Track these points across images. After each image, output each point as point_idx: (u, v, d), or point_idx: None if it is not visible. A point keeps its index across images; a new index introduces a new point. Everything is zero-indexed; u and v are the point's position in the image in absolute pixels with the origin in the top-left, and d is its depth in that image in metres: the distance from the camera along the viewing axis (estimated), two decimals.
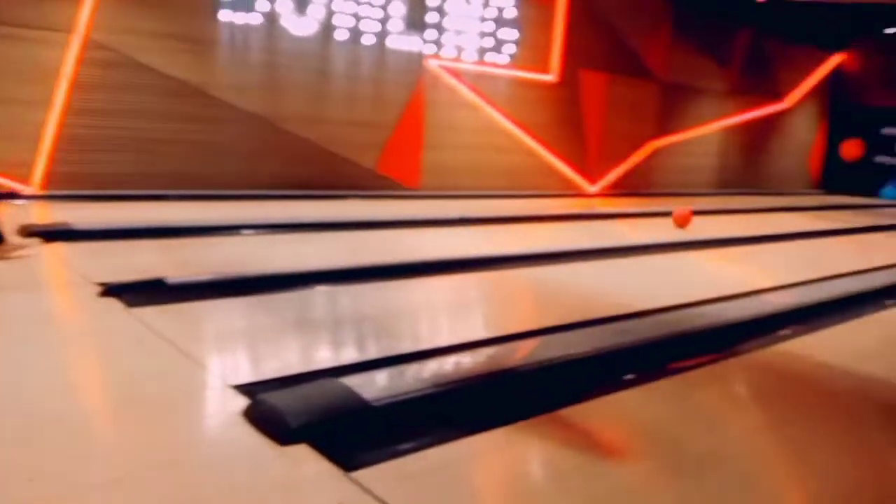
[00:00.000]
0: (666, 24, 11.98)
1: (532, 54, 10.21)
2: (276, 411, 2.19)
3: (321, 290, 4.05)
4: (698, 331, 3.63)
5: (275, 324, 3.31)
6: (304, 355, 3.02)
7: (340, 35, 8.38)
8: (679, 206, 8.05)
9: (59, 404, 2.25)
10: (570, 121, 10.90)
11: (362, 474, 1.90)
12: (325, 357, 3.02)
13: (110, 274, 3.74)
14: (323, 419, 2.20)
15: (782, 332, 3.85)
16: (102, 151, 6.91)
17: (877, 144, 15.53)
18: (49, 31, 6.50)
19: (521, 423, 2.37)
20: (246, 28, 7.67)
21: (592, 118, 11.20)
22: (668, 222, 7.68)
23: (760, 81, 14.28)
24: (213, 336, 3.17)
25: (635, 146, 12.05)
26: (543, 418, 2.44)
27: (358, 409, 2.28)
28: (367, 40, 8.60)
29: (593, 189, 11.39)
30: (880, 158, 15.68)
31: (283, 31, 7.97)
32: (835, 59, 16.24)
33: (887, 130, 15.64)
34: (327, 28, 8.28)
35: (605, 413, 2.59)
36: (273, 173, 7.93)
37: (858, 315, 4.41)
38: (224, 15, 7.52)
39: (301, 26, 8.08)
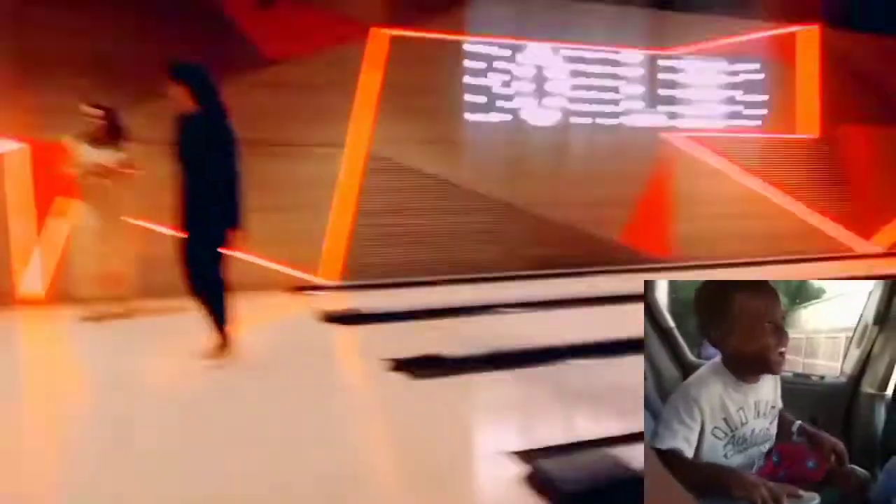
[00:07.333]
0: None
1: (781, 114, 9.79)
2: (550, 477, 2.35)
3: (575, 364, 4.21)
4: None
5: (541, 394, 3.55)
6: (569, 426, 3.21)
7: (579, 120, 8.78)
8: None
9: (350, 468, 2.63)
10: (832, 178, 10.14)
11: None
12: (587, 427, 3.18)
13: (396, 351, 4.26)
14: (595, 487, 2.34)
15: None
16: (386, 245, 7.89)
17: None
18: (329, 147, 7.67)
19: None
20: (490, 125, 8.38)
21: (858, 173, 10.30)
22: None
23: None
24: (488, 406, 3.49)
25: None
26: None
27: (627, 479, 2.32)
28: (606, 121, 8.89)
29: (869, 247, 10.35)
30: None
31: (525, 123, 8.56)
32: None
33: None
34: (566, 115, 8.73)
35: None
36: (525, 255, 8.40)
37: None
38: (470, 117, 8.31)
39: (541, 117, 8.62)
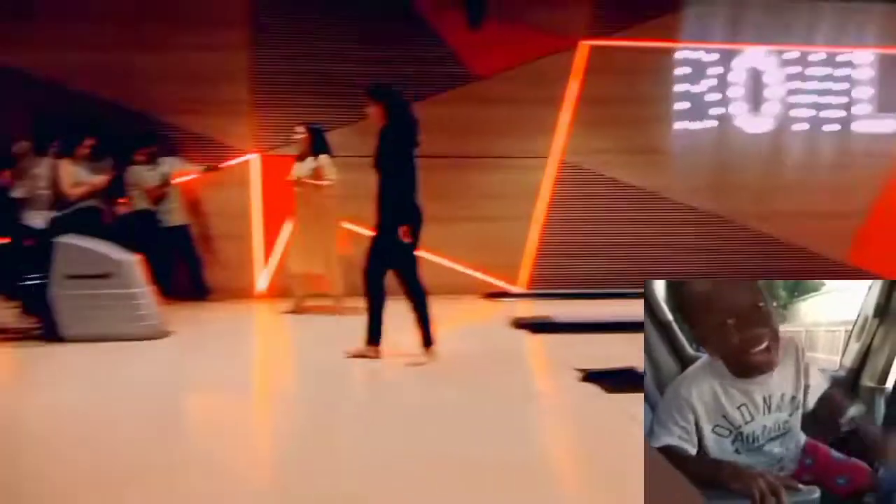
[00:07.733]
0: None
1: None
2: None
3: None
4: None
5: None
6: None
7: (798, 126, 8.09)
8: None
9: (543, 469, 2.67)
10: None
11: None
12: None
13: (588, 362, 4.17)
14: None
15: None
16: (577, 256, 7.82)
17: None
18: (529, 158, 7.74)
19: None
20: (698, 134, 7.97)
21: None
22: None
23: None
24: None
25: None
26: None
27: None
28: (830, 128, 8.12)
29: None
30: None
31: (737, 130, 8.04)
32: None
33: None
34: (784, 122, 8.08)
35: None
36: (730, 269, 7.85)
37: None
38: (679, 125, 7.95)
39: (756, 124, 8.05)
